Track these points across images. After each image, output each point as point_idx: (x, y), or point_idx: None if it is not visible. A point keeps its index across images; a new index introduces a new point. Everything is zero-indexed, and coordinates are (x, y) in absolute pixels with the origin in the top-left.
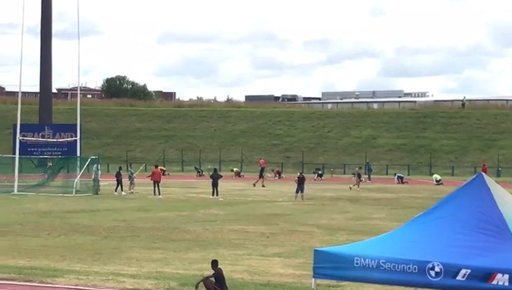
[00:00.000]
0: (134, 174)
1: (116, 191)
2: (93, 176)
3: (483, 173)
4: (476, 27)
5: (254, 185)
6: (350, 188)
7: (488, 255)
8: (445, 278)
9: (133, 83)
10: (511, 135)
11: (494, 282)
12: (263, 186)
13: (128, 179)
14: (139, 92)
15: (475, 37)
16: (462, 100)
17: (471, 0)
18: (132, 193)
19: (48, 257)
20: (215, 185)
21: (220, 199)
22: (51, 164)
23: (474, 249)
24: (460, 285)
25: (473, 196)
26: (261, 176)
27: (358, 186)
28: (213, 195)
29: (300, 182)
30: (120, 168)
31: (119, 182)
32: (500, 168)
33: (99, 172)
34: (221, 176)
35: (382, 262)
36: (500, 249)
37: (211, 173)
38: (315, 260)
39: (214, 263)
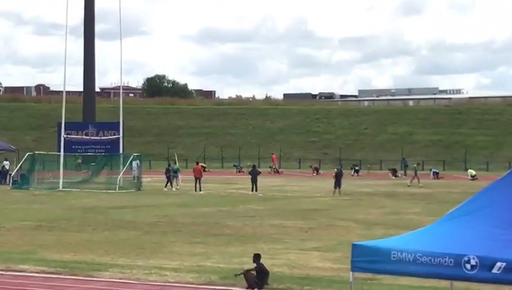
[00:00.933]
0: (180, 170)
1: (168, 187)
2: (132, 173)
3: None
4: (510, 24)
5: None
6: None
7: None
8: (481, 271)
9: (173, 82)
10: None
11: None
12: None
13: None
14: (180, 91)
15: (509, 34)
16: None
17: None
18: (177, 188)
19: (92, 252)
20: (254, 181)
21: (259, 195)
22: (80, 161)
23: (509, 243)
24: (495, 278)
25: (507, 190)
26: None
27: (418, 181)
28: (252, 191)
29: (338, 177)
30: (169, 165)
31: (168, 179)
32: None
33: (138, 168)
34: (260, 173)
35: (418, 256)
36: None
37: (250, 170)
38: (353, 254)
39: (257, 257)
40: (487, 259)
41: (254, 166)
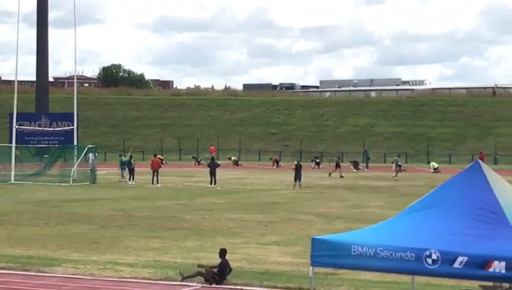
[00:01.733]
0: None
1: (130, 180)
2: (90, 165)
3: (480, 161)
4: (473, 14)
5: (330, 175)
6: (394, 177)
7: (485, 242)
8: (442, 265)
9: (129, 72)
10: (508, 122)
11: (491, 269)
12: (341, 176)
13: (119, 168)
14: (136, 81)
15: (472, 24)
16: (493, 87)
17: None
18: (125, 181)
19: (45, 246)
20: (213, 173)
21: (218, 188)
22: (18, 153)
23: (471, 237)
24: (457, 272)
25: (469, 184)
26: (337, 166)
27: (396, 175)
28: (211, 184)
29: (297, 170)
30: (131, 157)
31: (130, 171)
32: (497, 156)
33: (95, 160)
34: (219, 165)
35: (379, 250)
36: (497, 236)
37: (208, 162)
38: (313, 248)
39: (222, 253)
40: (449, 254)
41: (213, 158)
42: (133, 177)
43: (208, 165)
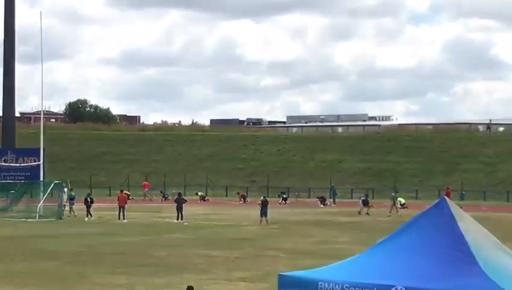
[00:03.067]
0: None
1: (88, 217)
2: (59, 201)
3: (446, 197)
4: (439, 50)
5: (367, 212)
6: (389, 215)
7: (451, 279)
8: None
9: (96, 107)
10: (475, 158)
11: None
12: (367, 213)
13: (67, 202)
14: (103, 116)
15: (438, 60)
16: (487, 123)
17: (434, 23)
18: (75, 216)
19: (11, 283)
20: (179, 209)
21: (185, 224)
22: None
23: (437, 273)
24: None
25: (435, 220)
26: (366, 203)
27: (397, 211)
28: (178, 219)
29: (264, 205)
30: (89, 194)
31: (88, 208)
32: (463, 192)
33: (65, 196)
34: (185, 201)
35: (346, 286)
36: (463, 273)
37: (175, 198)
38: (279, 285)
39: None
40: None
41: (180, 194)
42: (90, 214)
43: (174, 201)
